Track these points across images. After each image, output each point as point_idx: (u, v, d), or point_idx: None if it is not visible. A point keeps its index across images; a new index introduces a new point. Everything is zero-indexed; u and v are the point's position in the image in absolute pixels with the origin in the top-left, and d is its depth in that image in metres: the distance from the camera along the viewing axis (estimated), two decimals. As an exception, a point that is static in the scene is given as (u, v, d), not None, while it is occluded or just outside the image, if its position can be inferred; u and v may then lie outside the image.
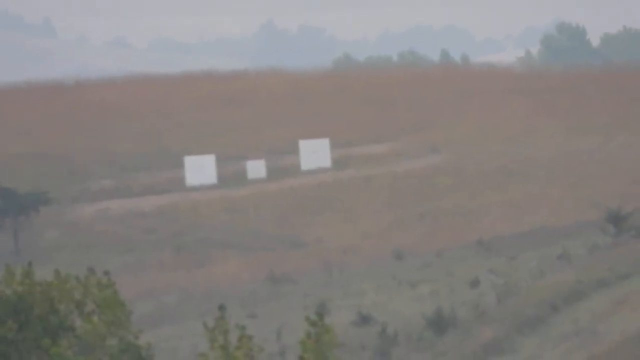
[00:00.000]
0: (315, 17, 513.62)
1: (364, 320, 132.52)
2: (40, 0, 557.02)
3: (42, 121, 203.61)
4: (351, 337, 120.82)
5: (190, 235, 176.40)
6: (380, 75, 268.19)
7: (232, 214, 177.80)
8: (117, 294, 54.70)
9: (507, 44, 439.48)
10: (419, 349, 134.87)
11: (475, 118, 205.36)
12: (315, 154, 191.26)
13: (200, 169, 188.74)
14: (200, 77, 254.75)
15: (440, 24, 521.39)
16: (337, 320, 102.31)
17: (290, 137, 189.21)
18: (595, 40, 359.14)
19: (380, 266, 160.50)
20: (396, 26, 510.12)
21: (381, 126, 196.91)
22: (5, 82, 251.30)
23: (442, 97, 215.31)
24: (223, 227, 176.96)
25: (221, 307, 55.86)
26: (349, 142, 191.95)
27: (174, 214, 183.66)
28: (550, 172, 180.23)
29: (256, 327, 78.22)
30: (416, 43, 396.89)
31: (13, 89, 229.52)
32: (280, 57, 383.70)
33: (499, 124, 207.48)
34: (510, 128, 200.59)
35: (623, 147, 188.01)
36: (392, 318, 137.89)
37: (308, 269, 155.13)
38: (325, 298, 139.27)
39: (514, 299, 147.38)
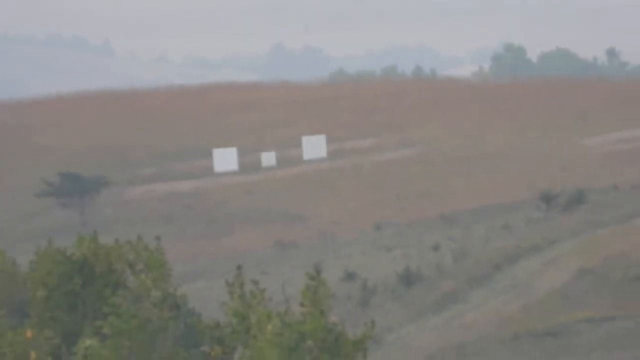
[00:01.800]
0: (315, 39, 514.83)
1: (350, 276, 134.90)
2: (102, 26, 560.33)
3: (102, 121, 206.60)
4: (340, 290, 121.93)
5: (217, 211, 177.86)
6: (366, 86, 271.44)
7: (249, 194, 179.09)
8: (161, 256, 55.45)
9: (465, 60, 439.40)
10: (392, 298, 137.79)
11: (440, 120, 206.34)
12: (314, 147, 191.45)
13: (224, 159, 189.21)
14: (224, 87, 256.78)
15: (414, 44, 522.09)
16: (329, 277, 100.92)
17: (295, 134, 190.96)
18: (534, 58, 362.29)
19: (364, 235, 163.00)
20: (379, 46, 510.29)
21: (366, 126, 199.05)
22: (72, 91, 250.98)
23: (414, 104, 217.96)
24: (242, 204, 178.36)
25: (239, 267, 56.23)
26: (341, 138, 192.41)
27: (205, 194, 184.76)
28: (497, 162, 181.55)
29: (267, 282, 78.69)
30: (395, 60, 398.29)
31: (78, 97, 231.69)
32: (287, 71, 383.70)
33: (458, 125, 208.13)
34: (467, 127, 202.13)
35: (554, 143, 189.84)
36: (372, 275, 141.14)
37: (307, 237, 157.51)
38: (320, 259, 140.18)
39: (467, 259, 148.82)
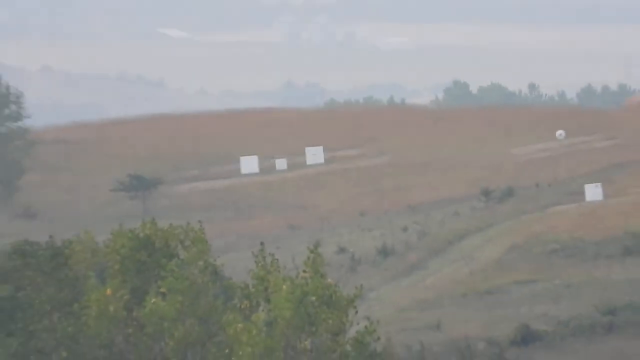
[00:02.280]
0: (314, 77, 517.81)
1: (341, 250, 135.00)
2: (158, 66, 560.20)
3: (158, 137, 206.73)
4: (334, 261, 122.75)
5: (243, 202, 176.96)
6: (352, 110, 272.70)
7: (267, 190, 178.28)
8: (202, 235, 54.63)
9: (425, 92, 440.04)
10: (373, 267, 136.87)
11: (406, 135, 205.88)
12: (314, 155, 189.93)
13: (248, 164, 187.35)
14: (248, 112, 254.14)
15: (388, 80, 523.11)
16: (326, 251, 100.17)
17: (300, 145, 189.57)
18: (474, 90, 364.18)
19: (351, 220, 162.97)
20: (362, 82, 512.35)
21: (353, 139, 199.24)
22: (136, 115, 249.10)
23: (388, 123, 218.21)
24: (262, 197, 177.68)
25: (261, 243, 53.99)
26: (334, 148, 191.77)
27: (234, 190, 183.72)
28: (448, 166, 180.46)
29: (280, 255, 76.89)
30: (374, 92, 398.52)
31: (140, 119, 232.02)
32: (294, 100, 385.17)
33: (419, 138, 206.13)
34: (426, 140, 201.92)
35: (489, 152, 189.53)
36: (358, 249, 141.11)
37: (310, 222, 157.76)
38: (319, 238, 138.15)
39: (427, 238, 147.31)
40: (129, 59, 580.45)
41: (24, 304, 54.71)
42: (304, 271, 53.76)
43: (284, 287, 53.35)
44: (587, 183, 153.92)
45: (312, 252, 54.38)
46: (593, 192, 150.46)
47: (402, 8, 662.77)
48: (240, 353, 51.99)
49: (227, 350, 53.30)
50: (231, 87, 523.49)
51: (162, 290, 54.26)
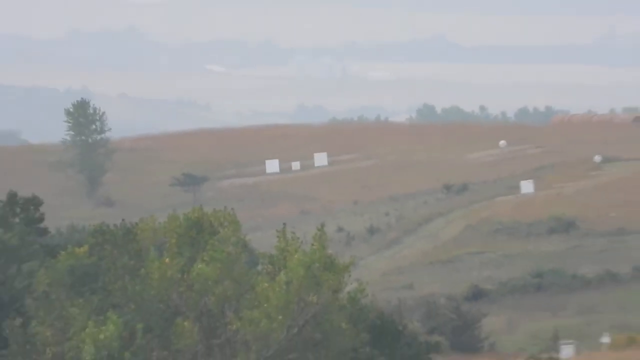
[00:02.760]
0: (319, 100, 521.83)
1: (340, 229, 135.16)
2: (206, 94, 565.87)
3: (204, 146, 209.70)
4: (334, 237, 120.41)
5: (268, 194, 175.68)
6: (348, 127, 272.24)
7: (285, 185, 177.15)
8: (235, 218, 53.86)
9: (403, 112, 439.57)
10: (362, 242, 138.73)
11: (388, 144, 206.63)
12: (320, 159, 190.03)
13: (272, 166, 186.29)
14: (271, 128, 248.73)
15: (374, 104, 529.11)
16: (328, 230, 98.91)
17: (310, 152, 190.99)
18: (439, 111, 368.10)
19: (347, 207, 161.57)
20: (354, 105, 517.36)
21: (347, 148, 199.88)
22: (188, 130, 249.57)
23: (373, 136, 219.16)
24: (281, 190, 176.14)
25: (284, 224, 53.67)
26: (334, 154, 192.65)
27: (260, 185, 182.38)
28: (419, 167, 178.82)
29: (299, 233, 77.16)
30: (364, 112, 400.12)
31: (191, 132, 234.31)
32: (304, 118, 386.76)
33: (398, 147, 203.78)
34: (403, 149, 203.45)
35: (451, 156, 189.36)
36: (352, 229, 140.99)
37: (316, 209, 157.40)
38: (324, 220, 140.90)
39: (403, 220, 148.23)
40: (184, 88, 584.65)
41: (103, 270, 54.56)
42: (313, 244, 53.70)
43: (297, 256, 53.17)
44: (522, 180, 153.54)
45: (318, 230, 54.36)
46: (526, 186, 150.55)
47: (383, 51, 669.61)
48: (266, 305, 51.80)
49: (256, 303, 52.64)
50: (258, 108, 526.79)
51: (206, 258, 55.30)
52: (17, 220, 70.08)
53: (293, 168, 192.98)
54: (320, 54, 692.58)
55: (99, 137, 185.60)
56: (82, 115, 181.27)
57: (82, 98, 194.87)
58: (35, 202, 74.25)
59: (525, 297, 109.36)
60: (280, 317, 52.62)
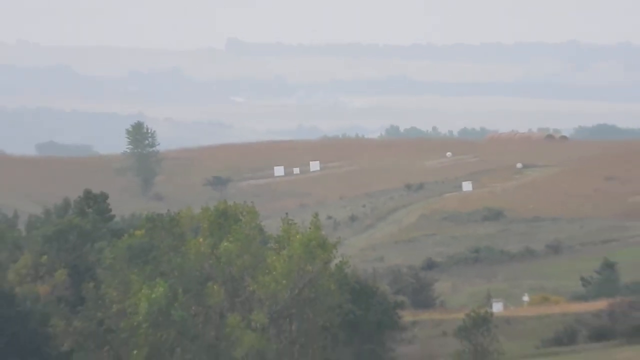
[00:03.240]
0: (314, 121, 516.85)
1: (329, 217, 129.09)
2: (234, 115, 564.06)
3: (228, 157, 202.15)
4: (326, 223, 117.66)
5: (276, 192, 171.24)
6: (336, 142, 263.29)
7: (288, 185, 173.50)
8: (254, 209, 54.20)
9: (376, 131, 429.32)
10: (347, 227, 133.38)
11: (366, 155, 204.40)
12: (315, 166, 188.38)
13: (278, 171, 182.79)
14: (278, 142, 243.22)
15: (355, 125, 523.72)
16: (320, 217, 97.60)
17: (307, 160, 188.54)
18: (402, 130, 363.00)
19: (335, 201, 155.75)
20: (341, 125, 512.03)
21: (335, 158, 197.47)
22: (213, 145, 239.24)
23: (356, 148, 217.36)
24: (285, 189, 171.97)
25: (286, 214, 57.92)
26: (325, 162, 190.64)
27: (270, 185, 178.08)
28: (390, 171, 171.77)
29: (299, 220, 77.38)
30: (346, 131, 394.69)
31: (217, 147, 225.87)
32: (304, 135, 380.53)
33: (373, 157, 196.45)
34: (376, 158, 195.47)
35: (412, 163, 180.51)
36: (338, 217, 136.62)
37: (313, 203, 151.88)
38: (318, 211, 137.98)
39: (377, 211, 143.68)
40: (214, 113, 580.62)
41: (154, 247, 53.85)
42: (310, 228, 54.24)
43: (298, 236, 53.51)
44: (464, 181, 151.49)
45: (314, 218, 55.19)
46: (467, 186, 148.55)
47: (362, 87, 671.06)
48: (274, 273, 51.36)
49: (266, 271, 52.42)
50: (269, 128, 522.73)
51: (230, 239, 53.62)
52: (90, 210, 69.17)
53: (294, 172, 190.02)
54: (316, 89, 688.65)
55: (151, 149, 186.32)
56: (139, 134, 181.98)
57: (138, 121, 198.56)
58: (104, 197, 74.30)
59: (466, 268, 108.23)
60: (284, 281, 52.21)
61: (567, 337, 64.95)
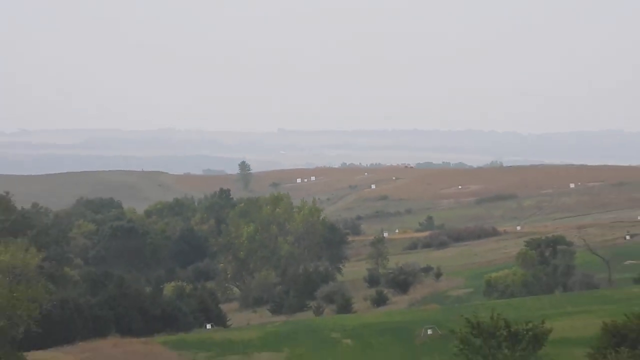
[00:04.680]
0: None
1: (317, 198, 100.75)
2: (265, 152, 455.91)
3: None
4: (321, 200, 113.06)
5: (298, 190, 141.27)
6: (328, 169, 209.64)
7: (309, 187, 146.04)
8: (289, 198, 68.76)
9: (334, 163, 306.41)
10: (328, 202, 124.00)
11: (339, 177, 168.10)
12: (312, 179, 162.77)
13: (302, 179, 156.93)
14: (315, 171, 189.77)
15: (338, 163, 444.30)
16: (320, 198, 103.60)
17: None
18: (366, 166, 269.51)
19: (328, 197, 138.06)
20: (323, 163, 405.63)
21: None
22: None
23: (338, 173, 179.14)
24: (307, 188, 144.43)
25: (302, 198, 64.23)
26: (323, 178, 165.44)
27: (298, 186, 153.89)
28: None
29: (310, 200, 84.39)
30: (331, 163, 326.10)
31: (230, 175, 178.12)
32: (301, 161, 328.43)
33: (346, 176, 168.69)
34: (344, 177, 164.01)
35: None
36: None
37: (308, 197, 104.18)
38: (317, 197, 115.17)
39: (337, 204, 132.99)
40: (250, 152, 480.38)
41: (249, 211, 69.53)
42: (312, 203, 71.42)
43: (299, 216, 70.12)
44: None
45: (314, 199, 74.41)
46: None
47: (343, 138, 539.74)
48: (297, 220, 67.61)
49: (294, 220, 67.62)
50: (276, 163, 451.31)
51: (278, 209, 69.12)
52: (222, 197, 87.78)
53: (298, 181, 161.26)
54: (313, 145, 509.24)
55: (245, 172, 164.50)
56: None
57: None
58: (227, 191, 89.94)
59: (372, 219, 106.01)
60: (301, 223, 68.53)
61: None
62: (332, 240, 67.96)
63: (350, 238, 74.64)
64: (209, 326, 41.15)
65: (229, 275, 64.03)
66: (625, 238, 64.99)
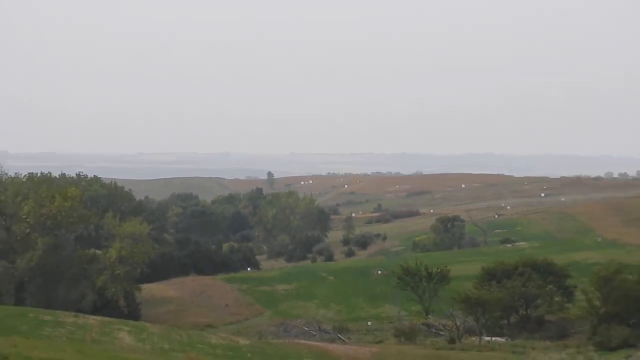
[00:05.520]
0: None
1: (314, 193, 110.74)
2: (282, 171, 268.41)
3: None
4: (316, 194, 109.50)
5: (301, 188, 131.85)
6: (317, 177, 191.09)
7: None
8: (296, 193, 68.20)
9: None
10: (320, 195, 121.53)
11: (326, 181, 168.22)
12: (308, 184, 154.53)
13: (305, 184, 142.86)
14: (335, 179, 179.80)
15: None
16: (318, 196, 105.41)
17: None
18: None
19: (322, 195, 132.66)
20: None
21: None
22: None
23: (318, 178, 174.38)
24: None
25: (304, 193, 66.88)
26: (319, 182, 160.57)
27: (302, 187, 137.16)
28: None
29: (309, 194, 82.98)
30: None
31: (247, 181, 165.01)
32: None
33: (327, 183, 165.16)
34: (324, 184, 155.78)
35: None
36: (320, 204, 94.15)
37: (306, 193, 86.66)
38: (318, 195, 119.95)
39: (324, 197, 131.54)
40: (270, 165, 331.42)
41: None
42: (310, 197, 75.64)
43: (305, 199, 74.42)
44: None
45: (311, 194, 77.45)
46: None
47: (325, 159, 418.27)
48: (301, 206, 68.66)
49: (297, 207, 67.98)
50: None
51: (290, 198, 71.02)
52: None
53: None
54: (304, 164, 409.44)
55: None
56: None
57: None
58: (260, 191, 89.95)
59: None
60: (303, 207, 71.41)
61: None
62: (321, 218, 78.04)
63: (332, 217, 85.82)
64: (249, 269, 48.60)
65: (260, 239, 73.93)
66: (495, 217, 78.33)
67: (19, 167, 59.17)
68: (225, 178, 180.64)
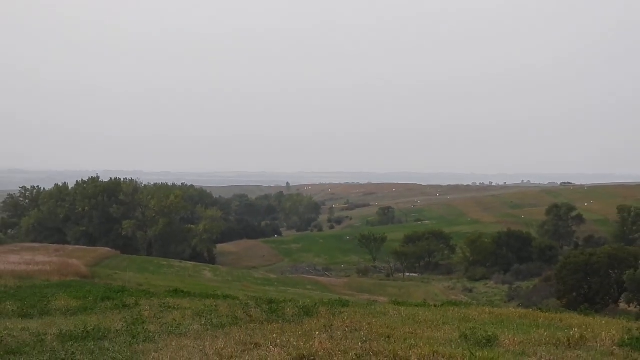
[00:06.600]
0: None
1: (311, 199, 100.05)
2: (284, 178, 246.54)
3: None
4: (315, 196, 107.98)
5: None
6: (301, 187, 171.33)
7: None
8: (301, 195, 69.37)
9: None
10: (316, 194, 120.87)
11: (318, 188, 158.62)
12: (295, 186, 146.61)
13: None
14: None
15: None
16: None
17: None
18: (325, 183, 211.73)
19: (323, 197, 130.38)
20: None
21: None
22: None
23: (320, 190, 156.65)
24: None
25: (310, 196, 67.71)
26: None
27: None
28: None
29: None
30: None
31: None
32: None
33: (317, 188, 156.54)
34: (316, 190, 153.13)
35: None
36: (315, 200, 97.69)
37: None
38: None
39: (316, 197, 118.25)
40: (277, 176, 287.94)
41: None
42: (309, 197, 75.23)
43: (307, 197, 74.54)
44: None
45: (309, 195, 79.40)
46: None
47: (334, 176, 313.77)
48: (306, 201, 71.03)
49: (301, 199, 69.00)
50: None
51: (300, 196, 75.58)
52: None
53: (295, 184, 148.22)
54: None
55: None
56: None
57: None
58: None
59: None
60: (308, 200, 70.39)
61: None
62: (316, 208, 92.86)
63: (321, 207, 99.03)
64: (276, 236, 57.68)
65: (282, 219, 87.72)
66: (412, 207, 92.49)
67: (149, 179, 74.60)
68: (262, 185, 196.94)
